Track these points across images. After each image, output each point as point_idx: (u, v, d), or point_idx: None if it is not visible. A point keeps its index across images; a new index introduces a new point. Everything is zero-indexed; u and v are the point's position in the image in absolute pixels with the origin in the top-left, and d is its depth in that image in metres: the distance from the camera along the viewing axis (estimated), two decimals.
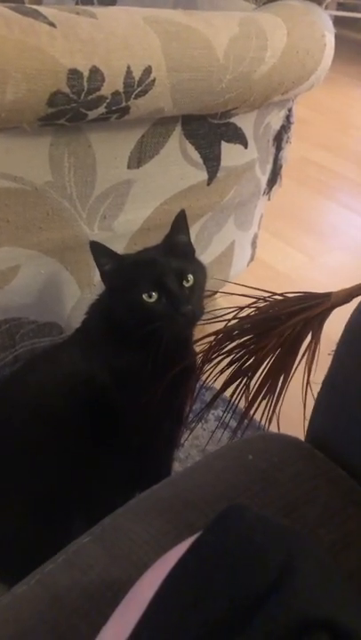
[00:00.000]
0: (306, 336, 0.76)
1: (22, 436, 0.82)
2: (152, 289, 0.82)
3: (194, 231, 1.18)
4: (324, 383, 0.62)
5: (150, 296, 0.82)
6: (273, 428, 0.79)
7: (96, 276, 1.10)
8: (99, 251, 0.86)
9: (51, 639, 0.44)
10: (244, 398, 0.81)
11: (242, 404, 0.83)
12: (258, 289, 0.83)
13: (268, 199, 1.38)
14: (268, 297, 0.82)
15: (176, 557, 0.39)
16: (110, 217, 1.02)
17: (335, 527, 0.52)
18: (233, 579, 0.36)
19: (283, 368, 0.77)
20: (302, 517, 0.52)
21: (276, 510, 0.52)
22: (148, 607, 0.36)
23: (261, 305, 0.82)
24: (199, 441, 1.14)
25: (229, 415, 1.10)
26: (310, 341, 0.75)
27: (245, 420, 0.81)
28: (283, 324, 0.75)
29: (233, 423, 1.19)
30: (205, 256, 1.27)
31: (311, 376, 0.71)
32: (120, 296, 0.86)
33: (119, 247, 1.09)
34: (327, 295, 0.73)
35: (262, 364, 0.78)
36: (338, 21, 1.11)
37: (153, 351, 0.81)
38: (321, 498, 0.54)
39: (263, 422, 0.76)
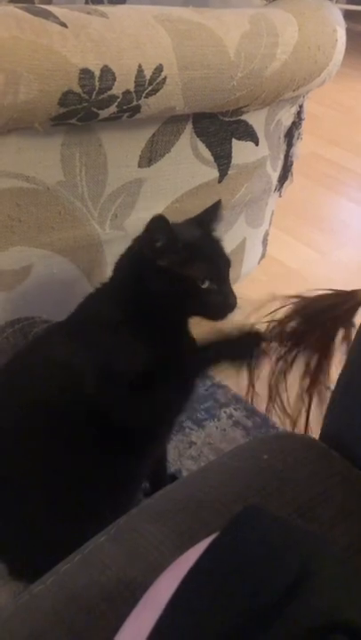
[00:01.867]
0: (336, 334, 0.76)
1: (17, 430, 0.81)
2: (209, 276, 0.79)
3: None
4: (339, 381, 0.62)
5: (204, 282, 0.79)
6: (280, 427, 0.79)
7: (107, 274, 1.10)
8: (159, 225, 0.78)
9: (67, 639, 0.45)
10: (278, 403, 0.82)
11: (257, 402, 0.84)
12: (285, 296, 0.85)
13: (280, 196, 1.37)
14: (297, 296, 0.83)
15: (193, 559, 0.39)
16: (122, 216, 1.02)
17: (351, 528, 0.52)
18: (251, 581, 0.36)
19: (318, 369, 0.78)
20: (317, 518, 0.52)
21: (291, 510, 0.52)
22: (166, 609, 0.36)
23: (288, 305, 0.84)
24: (212, 439, 1.14)
25: (242, 413, 1.10)
26: (342, 339, 0.75)
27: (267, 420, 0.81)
28: (315, 325, 0.76)
29: (245, 421, 1.19)
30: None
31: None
32: (167, 277, 0.80)
33: None
34: (353, 292, 0.73)
35: (293, 364, 0.79)
36: (348, 15, 1.10)
37: (172, 343, 0.80)
38: (336, 498, 0.54)
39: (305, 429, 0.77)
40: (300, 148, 1.30)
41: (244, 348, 0.85)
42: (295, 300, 0.89)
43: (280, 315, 0.89)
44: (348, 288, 0.94)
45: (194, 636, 0.34)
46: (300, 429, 0.90)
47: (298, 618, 0.33)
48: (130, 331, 0.81)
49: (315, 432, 0.65)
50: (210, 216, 0.89)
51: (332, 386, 0.66)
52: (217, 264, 0.82)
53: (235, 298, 0.82)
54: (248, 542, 0.38)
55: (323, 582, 0.35)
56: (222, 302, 0.81)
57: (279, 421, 1.01)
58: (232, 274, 1.35)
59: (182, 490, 0.57)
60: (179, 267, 0.79)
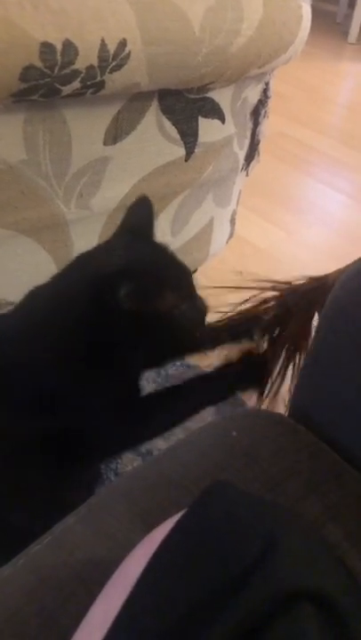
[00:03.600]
0: (312, 317, 0.77)
1: None
2: (180, 298, 0.69)
3: (172, 208, 1.17)
4: (307, 358, 0.63)
5: (179, 308, 0.68)
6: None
7: (73, 255, 1.08)
8: (125, 269, 0.66)
9: (40, 620, 0.45)
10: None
11: None
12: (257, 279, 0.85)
13: (247, 175, 1.37)
14: (272, 286, 0.84)
15: (162, 535, 0.39)
16: (87, 195, 1.01)
17: (317, 500, 0.53)
18: (218, 554, 0.36)
19: (296, 354, 0.79)
20: (285, 492, 0.53)
21: (259, 485, 0.53)
22: (136, 584, 0.36)
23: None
24: None
25: None
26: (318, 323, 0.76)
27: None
28: (292, 310, 0.77)
29: None
30: (184, 233, 1.26)
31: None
32: (133, 320, 0.66)
33: (97, 226, 1.08)
34: (324, 277, 0.74)
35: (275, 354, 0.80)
36: None
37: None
38: (303, 472, 0.55)
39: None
40: (266, 127, 1.29)
41: (251, 375, 0.81)
42: (268, 284, 0.90)
43: (258, 307, 0.89)
44: (315, 266, 0.95)
45: (162, 610, 0.35)
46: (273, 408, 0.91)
47: (263, 587, 0.34)
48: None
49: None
50: (143, 220, 0.76)
51: None
52: (182, 280, 0.71)
53: (205, 304, 0.72)
54: (215, 517, 0.38)
55: (289, 552, 0.36)
56: (197, 317, 0.71)
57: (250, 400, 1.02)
58: (200, 254, 1.35)
59: (152, 468, 0.57)
60: (146, 303, 0.66)
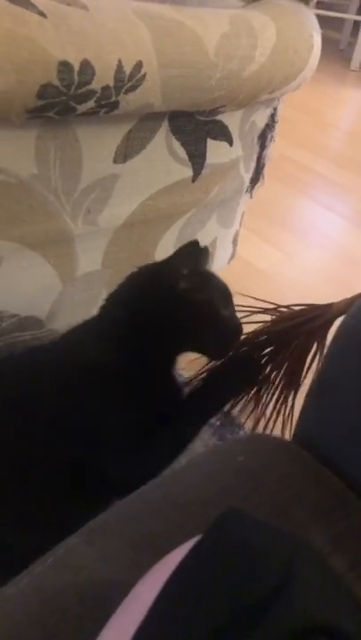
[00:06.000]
0: (311, 347, 0.78)
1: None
2: (224, 303, 0.82)
3: (177, 227, 1.18)
4: (313, 385, 0.63)
5: (224, 308, 0.82)
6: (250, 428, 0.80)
7: (78, 269, 1.09)
8: (192, 251, 0.81)
9: None
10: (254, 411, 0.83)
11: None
12: (258, 299, 0.86)
13: (250, 197, 1.38)
14: (273, 309, 0.85)
15: (174, 562, 0.39)
16: (95, 211, 1.01)
17: (323, 529, 0.53)
18: (234, 584, 0.36)
19: (292, 380, 0.79)
20: (292, 519, 0.53)
21: (266, 511, 0.53)
22: (149, 612, 0.36)
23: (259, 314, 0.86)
24: None
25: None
26: (315, 352, 0.77)
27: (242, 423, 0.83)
28: (291, 336, 0.77)
29: (212, 420, 1.20)
30: None
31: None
32: (186, 304, 0.80)
33: (103, 242, 1.08)
34: (328, 305, 0.75)
35: (270, 377, 0.80)
36: (318, 20, 1.12)
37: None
38: (309, 499, 0.55)
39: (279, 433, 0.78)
40: (272, 151, 1.31)
41: (244, 379, 0.86)
42: (271, 309, 0.91)
43: (252, 330, 0.90)
44: (314, 289, 0.96)
45: (177, 638, 0.34)
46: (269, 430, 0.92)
47: (281, 620, 0.34)
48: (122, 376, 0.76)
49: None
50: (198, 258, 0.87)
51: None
52: (227, 291, 0.83)
53: (240, 324, 0.84)
54: (231, 545, 0.38)
55: (304, 584, 0.36)
56: (236, 328, 0.83)
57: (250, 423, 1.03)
58: None
59: (158, 491, 0.57)
60: (199, 293, 0.79)
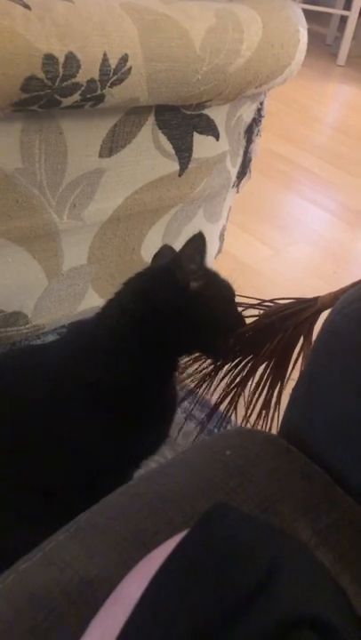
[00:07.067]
0: (297, 341, 0.78)
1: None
2: (229, 300, 0.83)
3: (164, 222, 1.17)
4: (300, 380, 0.63)
5: (230, 304, 0.84)
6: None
7: (64, 265, 1.08)
8: (199, 245, 0.78)
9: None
10: (240, 406, 0.83)
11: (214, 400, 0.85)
12: (244, 296, 0.86)
13: (237, 192, 1.38)
14: (259, 304, 0.84)
15: (162, 557, 0.39)
16: (80, 206, 1.01)
17: (310, 523, 0.53)
18: (221, 578, 0.36)
19: (278, 373, 0.79)
20: (279, 513, 0.53)
21: (253, 506, 0.53)
22: (136, 607, 0.36)
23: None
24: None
25: (196, 407, 1.11)
26: (302, 345, 0.77)
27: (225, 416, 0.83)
28: (277, 331, 0.77)
29: (199, 415, 1.20)
30: (175, 247, 1.26)
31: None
32: (197, 302, 0.78)
33: (88, 237, 1.08)
34: (314, 299, 0.75)
35: (256, 371, 0.80)
36: (304, 15, 1.12)
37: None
38: (296, 493, 0.55)
39: (264, 427, 0.78)
40: (258, 145, 1.31)
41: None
42: (256, 304, 0.91)
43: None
44: (300, 284, 0.96)
45: (164, 633, 0.34)
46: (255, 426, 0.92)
47: (267, 613, 0.34)
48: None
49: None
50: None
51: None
52: (231, 287, 0.83)
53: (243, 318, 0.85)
54: (218, 540, 0.38)
55: (291, 578, 0.36)
56: (239, 322, 0.83)
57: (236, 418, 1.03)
58: None
59: (145, 486, 0.57)
60: (208, 290, 0.78)
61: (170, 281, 0.76)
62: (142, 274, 0.82)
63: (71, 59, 0.75)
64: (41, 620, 0.46)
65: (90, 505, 0.57)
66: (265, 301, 0.92)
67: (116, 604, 0.39)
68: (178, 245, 1.25)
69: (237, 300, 0.85)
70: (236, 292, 0.88)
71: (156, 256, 0.90)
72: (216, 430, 1.10)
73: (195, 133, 1.07)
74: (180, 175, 1.11)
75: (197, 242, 0.76)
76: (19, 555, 0.53)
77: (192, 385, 0.95)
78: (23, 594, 0.48)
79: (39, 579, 0.50)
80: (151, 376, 0.77)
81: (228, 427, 1.04)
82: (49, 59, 0.73)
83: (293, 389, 0.65)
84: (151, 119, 0.99)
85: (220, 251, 1.45)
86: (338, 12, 3.52)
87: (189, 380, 0.95)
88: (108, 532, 0.52)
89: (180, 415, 1.18)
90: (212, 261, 1.43)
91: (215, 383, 0.94)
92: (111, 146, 0.97)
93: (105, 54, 0.78)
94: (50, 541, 0.53)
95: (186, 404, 1.21)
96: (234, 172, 1.27)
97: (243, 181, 1.35)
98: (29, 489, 0.74)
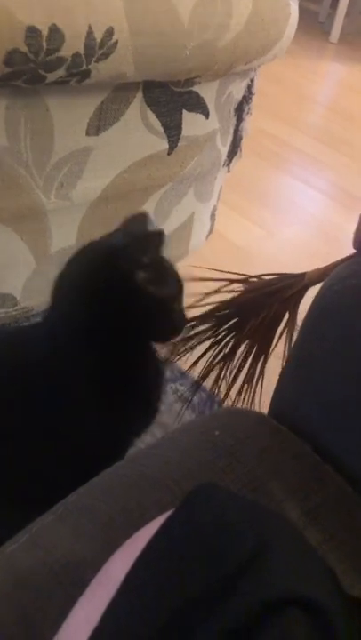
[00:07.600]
0: (283, 316, 0.77)
1: None
2: (177, 297, 0.74)
3: (154, 201, 1.16)
4: (289, 359, 0.63)
5: (174, 303, 0.74)
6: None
7: (52, 246, 1.07)
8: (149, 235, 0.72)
9: (18, 622, 0.43)
10: (224, 382, 0.82)
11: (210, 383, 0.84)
12: (223, 271, 0.84)
13: (228, 171, 1.36)
14: (244, 279, 0.83)
15: (147, 537, 0.38)
16: (68, 185, 0.99)
17: (299, 503, 0.53)
18: (207, 558, 0.35)
19: (262, 349, 0.78)
20: (268, 493, 0.52)
21: (242, 486, 0.53)
22: (121, 587, 0.35)
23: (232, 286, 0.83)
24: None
25: (187, 388, 1.10)
26: (287, 321, 0.76)
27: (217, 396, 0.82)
28: (262, 306, 0.76)
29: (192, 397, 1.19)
30: (164, 227, 1.25)
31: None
32: (138, 298, 0.71)
33: (77, 217, 1.06)
34: (301, 275, 0.74)
35: (240, 346, 0.79)
36: None
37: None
38: (286, 473, 0.55)
39: (244, 403, 0.77)
40: (249, 124, 1.29)
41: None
42: (241, 279, 0.90)
43: (223, 299, 0.89)
44: (294, 265, 0.95)
45: (149, 613, 0.34)
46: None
47: (253, 592, 0.34)
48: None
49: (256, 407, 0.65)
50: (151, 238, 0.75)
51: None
52: (180, 284, 0.75)
53: (185, 319, 0.77)
54: (203, 519, 0.37)
55: (278, 557, 0.36)
56: (180, 323, 0.76)
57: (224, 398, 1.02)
58: (180, 249, 1.34)
59: (133, 467, 0.56)
60: (155, 286, 0.70)
61: (115, 266, 0.70)
62: (89, 251, 0.77)
63: (55, 31, 0.73)
64: (29, 603, 0.45)
65: (79, 486, 0.56)
66: (251, 277, 0.90)
67: (101, 584, 0.38)
68: (167, 225, 1.24)
69: (222, 276, 0.82)
70: (225, 271, 0.86)
71: (129, 221, 0.79)
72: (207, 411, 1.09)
73: (184, 111, 1.05)
74: (169, 153, 1.09)
75: (155, 237, 0.71)
76: (5, 539, 0.52)
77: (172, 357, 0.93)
78: (10, 576, 0.48)
79: (26, 561, 0.49)
80: (121, 359, 0.73)
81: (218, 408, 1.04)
82: (32, 31, 0.71)
83: (283, 368, 0.64)
84: (139, 96, 0.97)
85: (211, 231, 1.44)
86: None
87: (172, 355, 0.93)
88: (96, 512, 0.52)
89: (170, 396, 1.18)
90: (204, 242, 1.42)
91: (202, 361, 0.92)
92: (99, 124, 0.95)
93: (90, 27, 0.76)
94: (36, 523, 0.53)
95: (177, 385, 1.21)
96: (224, 150, 1.25)
97: (233, 161, 1.33)
98: (16, 473, 0.74)
